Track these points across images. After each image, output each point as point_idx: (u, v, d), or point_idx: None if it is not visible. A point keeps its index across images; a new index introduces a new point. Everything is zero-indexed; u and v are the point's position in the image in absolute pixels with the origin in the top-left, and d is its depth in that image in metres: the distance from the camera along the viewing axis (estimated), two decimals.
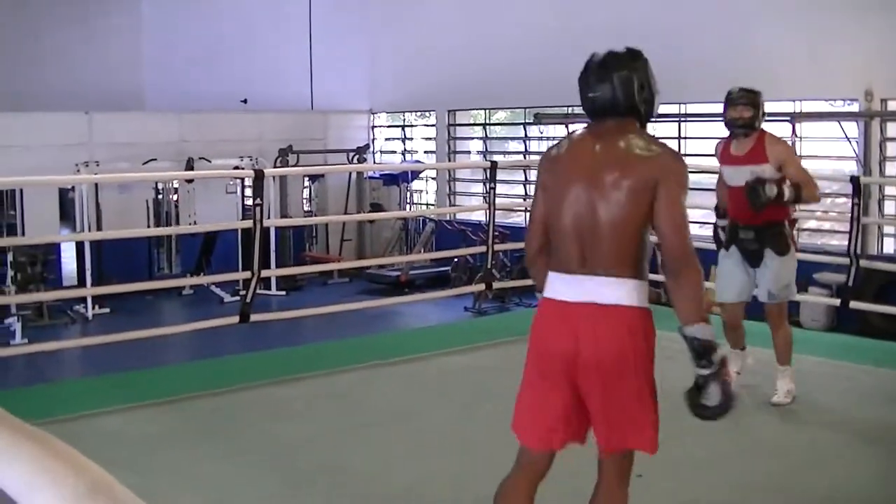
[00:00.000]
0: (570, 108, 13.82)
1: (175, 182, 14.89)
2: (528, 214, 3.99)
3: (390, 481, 5.46)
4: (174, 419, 6.66)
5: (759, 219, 6.54)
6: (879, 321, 9.96)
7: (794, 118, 12.15)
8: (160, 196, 15.03)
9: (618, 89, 3.62)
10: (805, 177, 6.54)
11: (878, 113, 11.46)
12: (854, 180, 8.88)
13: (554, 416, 3.64)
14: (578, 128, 3.93)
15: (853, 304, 8.86)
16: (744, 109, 6.50)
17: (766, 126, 6.71)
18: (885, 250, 11.75)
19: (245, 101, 17.63)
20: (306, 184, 16.91)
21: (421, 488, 5.30)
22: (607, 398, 3.54)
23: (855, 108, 11.69)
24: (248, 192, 13.11)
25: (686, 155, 7.48)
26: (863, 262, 8.99)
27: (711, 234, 7.25)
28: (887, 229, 11.90)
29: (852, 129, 11.80)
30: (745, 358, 7.12)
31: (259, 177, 8.02)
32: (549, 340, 3.63)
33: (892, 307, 9.08)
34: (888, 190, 11.86)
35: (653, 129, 14.25)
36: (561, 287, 3.63)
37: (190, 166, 14.33)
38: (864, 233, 9.65)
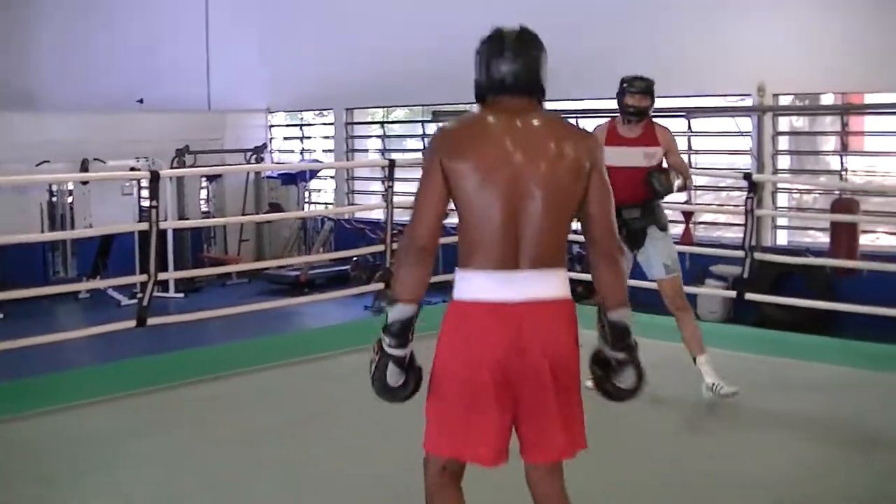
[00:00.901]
0: (467, 106, 13.84)
1: (70, 184, 14.61)
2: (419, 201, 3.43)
3: (357, 472, 5.48)
4: (77, 425, 6.55)
5: (640, 196, 6.75)
6: (774, 312, 10.17)
7: (689, 113, 12.35)
8: (55, 198, 14.72)
9: (533, 66, 3.46)
10: (685, 166, 7.04)
11: (771, 108, 11.73)
12: (748, 178, 9.10)
13: (503, 428, 3.38)
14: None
15: (749, 296, 9.05)
16: (643, 98, 6.80)
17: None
18: (778, 242, 11.99)
19: (141, 101, 17.35)
20: (204, 184, 16.68)
21: (387, 480, 5.28)
22: (563, 399, 3.38)
23: (748, 103, 11.91)
24: (145, 193, 12.90)
25: None
26: (757, 255, 9.18)
27: None
28: (780, 221, 12.16)
29: (746, 123, 12.02)
30: None
31: (155, 178, 7.91)
32: (487, 347, 3.33)
33: (786, 298, 9.29)
34: (781, 183, 12.11)
35: None
36: (495, 286, 3.34)
37: (85, 168, 14.05)
38: (758, 226, 9.82)
